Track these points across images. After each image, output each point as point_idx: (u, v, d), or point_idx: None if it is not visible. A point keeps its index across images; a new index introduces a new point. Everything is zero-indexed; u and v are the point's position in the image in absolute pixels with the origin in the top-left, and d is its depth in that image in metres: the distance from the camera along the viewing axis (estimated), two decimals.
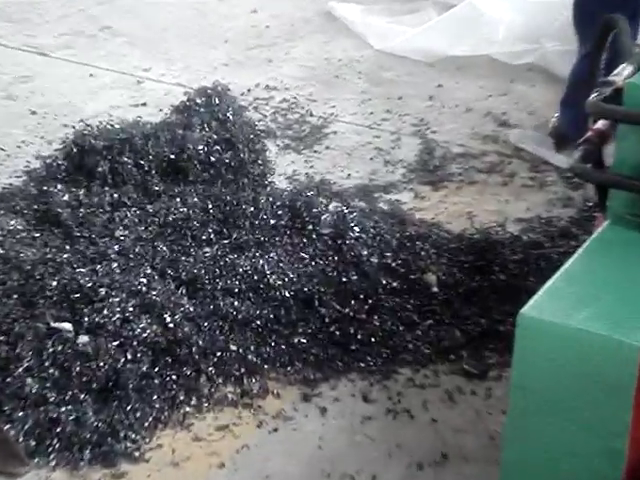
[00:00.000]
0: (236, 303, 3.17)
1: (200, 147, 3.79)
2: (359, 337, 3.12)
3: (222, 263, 3.31)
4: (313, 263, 3.36)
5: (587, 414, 1.95)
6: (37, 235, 3.39)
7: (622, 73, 2.25)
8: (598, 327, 1.91)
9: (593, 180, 2.41)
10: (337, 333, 3.13)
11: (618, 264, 2.19)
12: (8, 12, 5.71)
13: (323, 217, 3.50)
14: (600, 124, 2.32)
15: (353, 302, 3.22)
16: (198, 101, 4.14)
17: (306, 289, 3.24)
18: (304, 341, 3.12)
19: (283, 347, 3.10)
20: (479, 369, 3.08)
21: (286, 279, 3.26)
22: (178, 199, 3.60)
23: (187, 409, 2.90)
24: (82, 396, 2.81)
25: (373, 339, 3.12)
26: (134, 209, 3.55)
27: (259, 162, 3.95)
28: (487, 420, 2.84)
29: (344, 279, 3.31)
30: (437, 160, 4.30)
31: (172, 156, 3.77)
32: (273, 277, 3.26)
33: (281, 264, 3.33)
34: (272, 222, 3.50)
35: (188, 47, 5.39)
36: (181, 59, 5.26)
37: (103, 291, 3.06)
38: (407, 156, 4.33)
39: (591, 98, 2.23)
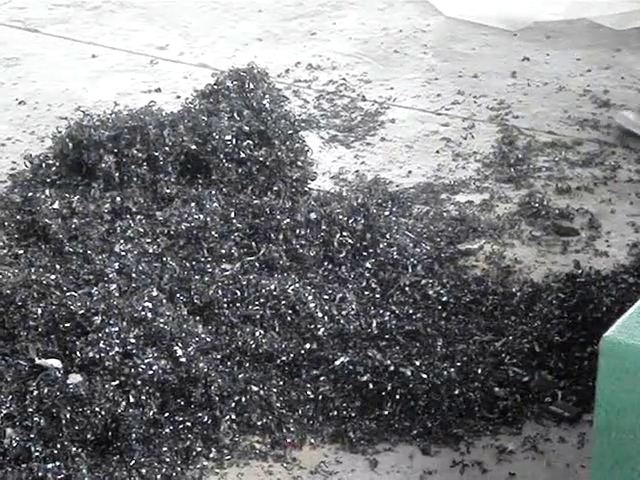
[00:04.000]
0: (258, 333, 3.18)
1: (227, 138, 3.79)
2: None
3: (244, 284, 3.30)
4: (355, 294, 3.37)
5: None
6: (20, 252, 3.41)
7: None
8: None
9: None
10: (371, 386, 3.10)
11: None
12: None
13: None
14: None
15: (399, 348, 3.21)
16: (229, 85, 4.16)
17: (342, 323, 3.26)
18: (329, 390, 3.10)
19: (307, 391, 3.09)
20: (570, 411, 3.09)
21: (320, 310, 3.26)
22: (194, 204, 3.60)
23: (205, 463, 2.91)
24: (74, 449, 2.82)
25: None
26: (139, 217, 3.57)
27: (298, 163, 3.94)
28: (581, 473, 2.83)
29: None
30: (520, 152, 4.31)
31: (192, 147, 3.78)
32: (306, 305, 3.27)
33: (317, 290, 3.33)
34: (311, 238, 3.50)
35: (213, 19, 5.41)
36: (204, 34, 5.28)
37: (99, 319, 3.05)
38: (482, 147, 4.35)
39: None
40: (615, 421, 2.04)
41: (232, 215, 3.56)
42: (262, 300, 3.26)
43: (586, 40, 5.10)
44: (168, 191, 3.70)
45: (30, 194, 3.66)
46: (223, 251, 3.44)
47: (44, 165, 3.84)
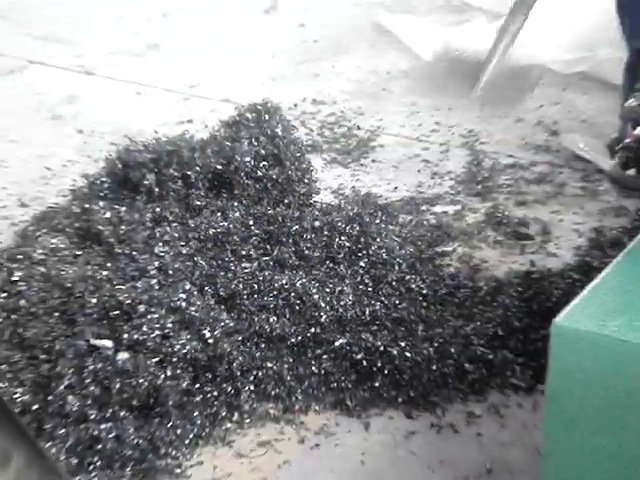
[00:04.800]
0: (272, 320, 3.18)
1: (247, 159, 3.79)
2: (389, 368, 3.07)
3: (261, 279, 3.31)
4: (352, 287, 3.36)
5: (622, 421, 1.96)
6: (79, 253, 3.39)
7: None
8: (631, 335, 1.92)
9: (629, 186, 2.42)
10: (364, 362, 3.09)
11: None
12: (54, 31, 5.77)
13: None
14: (639, 130, 2.34)
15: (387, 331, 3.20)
16: (248, 116, 4.16)
17: (341, 312, 3.24)
18: (330, 366, 3.10)
19: (312, 367, 3.09)
20: (526, 382, 3.09)
21: (323, 300, 3.25)
22: (220, 213, 3.62)
23: (229, 425, 2.92)
24: (123, 413, 2.82)
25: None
26: (175, 224, 3.57)
27: (305, 181, 3.94)
28: (534, 433, 2.83)
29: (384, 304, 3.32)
30: (486, 172, 4.31)
31: (218, 167, 3.78)
32: (311, 297, 3.26)
33: (320, 284, 3.32)
34: (315, 241, 3.51)
35: (235, 63, 5.43)
36: (228, 75, 5.30)
37: (142, 307, 3.05)
38: (455, 168, 4.34)
39: (628, 103, 2.25)
40: (562, 392, 2.03)
41: (251, 223, 3.55)
42: (275, 292, 3.24)
43: (539, 81, 5.08)
44: (198, 203, 3.67)
45: (87, 206, 3.64)
46: (243, 252, 3.43)
47: (98, 182, 3.82)
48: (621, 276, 2.17)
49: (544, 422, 2.10)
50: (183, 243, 3.46)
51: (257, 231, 3.52)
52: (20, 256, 3.35)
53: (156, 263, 3.32)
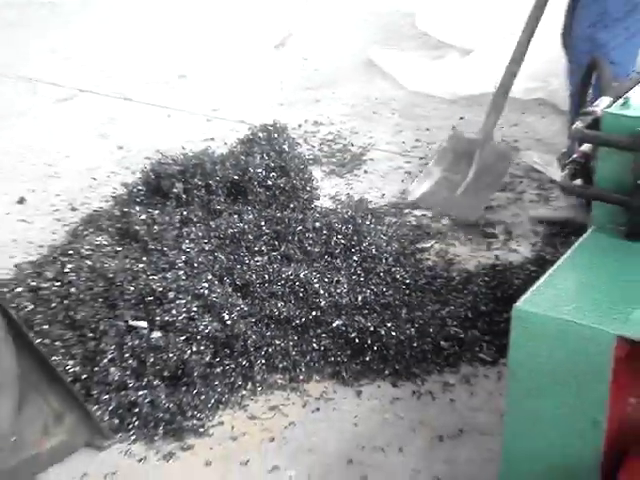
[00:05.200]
0: (280, 305, 3.17)
1: (259, 171, 3.79)
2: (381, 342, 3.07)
3: (270, 271, 3.30)
4: (346, 278, 3.35)
5: (573, 392, 1.95)
6: (119, 249, 3.39)
7: (601, 104, 2.26)
8: (581, 318, 1.92)
9: (576, 194, 2.42)
10: (357, 340, 3.08)
11: (600, 265, 2.19)
12: (99, 64, 5.78)
13: None
14: (584, 147, 2.33)
15: (376, 314, 3.20)
16: (260, 135, 4.17)
17: (337, 298, 3.23)
18: (329, 343, 3.09)
19: (314, 344, 3.08)
20: (492, 357, 3.09)
21: (322, 289, 3.24)
22: (236, 216, 3.61)
23: (243, 392, 2.93)
24: (156, 382, 2.84)
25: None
26: (199, 225, 3.57)
27: (307, 188, 3.94)
28: (498, 399, 2.83)
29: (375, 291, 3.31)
30: None
31: (235, 177, 3.78)
32: (312, 285, 3.25)
33: (320, 275, 3.31)
34: (316, 239, 3.49)
35: (249, 90, 5.41)
36: (244, 100, 5.28)
37: (172, 294, 3.05)
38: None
39: (575, 125, 2.25)
40: (521, 365, 2.03)
41: (262, 224, 3.54)
42: (282, 282, 3.24)
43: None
44: (218, 207, 3.68)
45: (125, 209, 3.64)
46: (256, 248, 3.41)
47: (135, 190, 3.83)
48: (570, 268, 2.17)
49: (506, 390, 2.10)
50: (206, 241, 3.45)
51: (267, 231, 3.51)
52: (71, 251, 3.36)
53: (183, 257, 3.32)
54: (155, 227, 3.50)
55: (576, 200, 3.68)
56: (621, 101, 2.23)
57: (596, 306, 1.97)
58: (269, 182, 3.81)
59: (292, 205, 3.80)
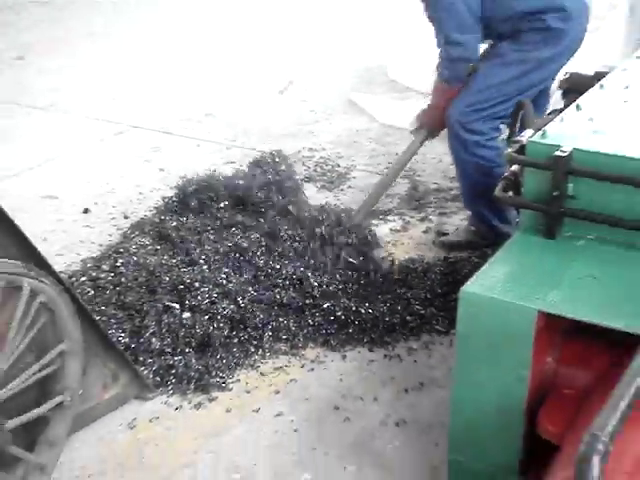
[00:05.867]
0: (283, 293, 3.14)
1: (261, 188, 3.77)
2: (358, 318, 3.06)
3: (271, 265, 3.26)
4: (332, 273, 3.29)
5: (504, 354, 1.95)
6: (158, 248, 3.39)
7: (526, 135, 2.26)
8: (511, 298, 1.92)
9: (509, 203, 2.41)
10: (342, 317, 3.06)
11: (525, 258, 2.19)
12: (145, 105, 5.76)
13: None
14: (514, 167, 2.33)
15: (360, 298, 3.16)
16: (268, 160, 4.18)
17: (325, 287, 3.20)
18: (321, 320, 3.07)
19: (309, 320, 3.07)
20: (445, 327, 3.08)
21: (313, 278, 3.21)
22: (240, 225, 3.55)
23: (255, 357, 2.93)
24: (187, 350, 2.85)
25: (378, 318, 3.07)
26: (212, 231, 3.52)
27: (297, 201, 3.83)
28: (450, 361, 2.82)
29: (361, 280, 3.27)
30: (420, 194, 4.27)
31: (239, 193, 3.74)
32: (306, 276, 3.22)
33: (310, 268, 3.27)
34: (306, 240, 3.43)
35: (260, 126, 5.39)
36: (255, 133, 5.26)
37: (197, 284, 3.06)
38: (400, 191, 4.30)
39: (507, 151, 2.25)
40: (466, 335, 2.03)
41: (264, 230, 3.50)
42: (283, 276, 3.22)
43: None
44: (226, 216, 3.64)
45: (162, 217, 3.66)
46: (258, 251, 3.35)
47: (170, 202, 3.84)
48: (503, 261, 2.16)
49: (455, 354, 2.09)
50: (219, 246, 3.35)
51: (268, 234, 3.46)
52: (122, 250, 3.37)
53: (203, 256, 3.27)
54: (182, 232, 3.48)
55: (470, 220, 3.65)
56: (540, 132, 2.24)
57: (522, 289, 1.97)
58: (270, 196, 3.75)
59: (286, 214, 3.67)
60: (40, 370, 2.21)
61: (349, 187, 4.40)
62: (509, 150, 2.25)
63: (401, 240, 3.77)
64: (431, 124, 3.58)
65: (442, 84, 3.37)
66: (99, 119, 5.43)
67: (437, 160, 4.71)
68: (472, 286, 1.99)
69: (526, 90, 3.22)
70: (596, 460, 1.31)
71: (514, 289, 1.97)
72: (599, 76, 2.74)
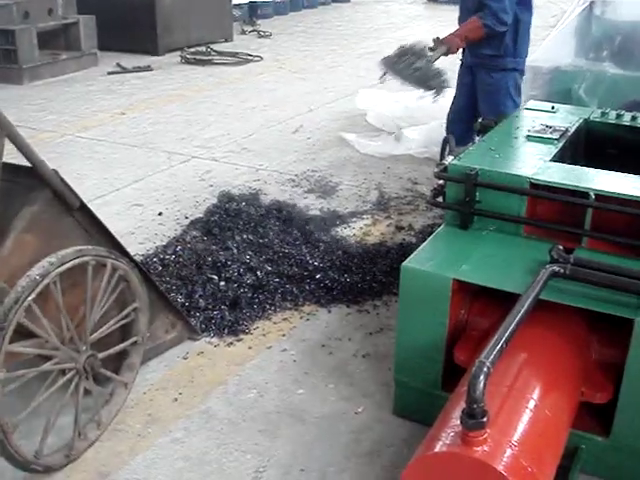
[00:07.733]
0: (288, 268, 3.14)
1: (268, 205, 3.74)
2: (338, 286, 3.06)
3: (282, 250, 3.26)
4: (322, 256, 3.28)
5: (431, 308, 1.96)
6: (205, 238, 3.39)
7: (449, 159, 2.27)
8: (435, 269, 1.93)
9: (436, 206, 2.41)
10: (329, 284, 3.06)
11: (447, 243, 2.20)
12: (201, 142, 5.71)
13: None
14: (441, 181, 2.33)
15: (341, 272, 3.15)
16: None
17: (317, 264, 3.19)
18: (314, 286, 3.06)
19: (306, 287, 3.06)
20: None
21: (308, 263, 3.19)
22: (261, 224, 3.51)
23: (269, 312, 2.93)
24: (222, 307, 2.85)
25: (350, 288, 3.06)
26: (238, 230, 3.46)
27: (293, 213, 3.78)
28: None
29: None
30: (385, 200, 4.24)
31: (252, 211, 3.66)
32: (304, 260, 3.21)
33: (307, 255, 3.25)
34: (301, 238, 3.40)
35: (278, 157, 5.33)
36: (275, 159, 5.21)
37: (230, 262, 3.07)
38: (372, 198, 4.27)
39: (435, 170, 2.25)
40: (406, 296, 2.03)
41: (269, 235, 3.45)
42: (290, 256, 3.21)
43: (408, 161, 4.98)
44: (240, 228, 3.52)
45: (210, 218, 3.64)
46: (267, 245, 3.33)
47: (214, 208, 3.83)
48: (431, 245, 2.17)
49: (399, 309, 2.10)
50: (245, 236, 3.32)
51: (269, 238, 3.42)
52: (181, 240, 3.38)
53: (235, 245, 3.26)
54: (217, 229, 3.46)
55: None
56: (458, 157, 2.24)
57: (443, 263, 1.99)
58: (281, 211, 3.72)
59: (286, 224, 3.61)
60: (121, 320, 2.23)
61: (337, 196, 4.38)
62: (436, 169, 2.25)
63: (371, 231, 3.75)
64: (453, 44, 3.47)
65: (479, 22, 3.34)
66: (172, 152, 5.41)
67: (398, 177, 4.69)
68: (410, 262, 2.02)
69: None
70: (482, 378, 1.33)
71: (438, 264, 1.99)
72: (499, 120, 2.76)
